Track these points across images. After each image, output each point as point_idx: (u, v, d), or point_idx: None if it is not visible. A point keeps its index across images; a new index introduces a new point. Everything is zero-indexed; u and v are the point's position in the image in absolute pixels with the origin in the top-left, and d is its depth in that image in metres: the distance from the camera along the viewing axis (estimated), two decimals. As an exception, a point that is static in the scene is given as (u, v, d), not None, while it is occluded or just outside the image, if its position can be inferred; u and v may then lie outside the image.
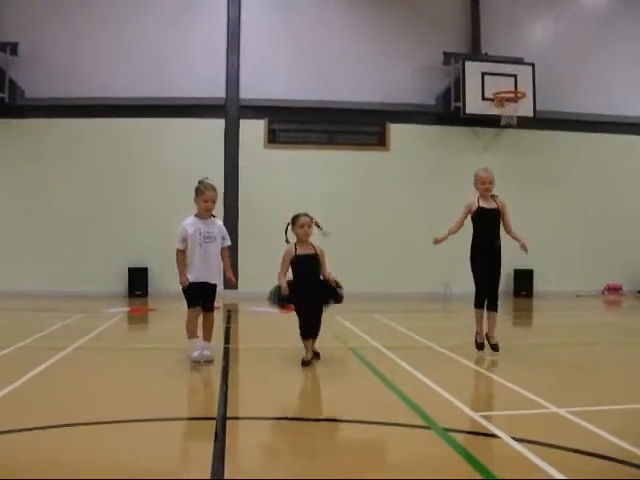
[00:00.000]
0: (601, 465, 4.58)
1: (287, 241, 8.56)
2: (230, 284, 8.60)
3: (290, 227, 8.56)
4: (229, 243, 8.80)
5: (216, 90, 19.43)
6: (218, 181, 18.87)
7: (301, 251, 8.48)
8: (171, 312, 14.88)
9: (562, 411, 5.94)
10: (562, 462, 4.53)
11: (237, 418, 5.94)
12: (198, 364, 8.30)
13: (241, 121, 19.67)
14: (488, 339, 9.14)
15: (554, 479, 4.22)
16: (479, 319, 9.25)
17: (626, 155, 21.06)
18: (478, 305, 9.22)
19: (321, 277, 8.57)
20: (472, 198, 9.30)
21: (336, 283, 8.58)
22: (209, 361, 8.45)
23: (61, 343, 9.62)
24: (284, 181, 19.45)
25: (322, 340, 9.60)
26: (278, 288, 8.46)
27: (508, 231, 9.40)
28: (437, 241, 9.52)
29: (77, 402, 6.39)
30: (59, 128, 19.06)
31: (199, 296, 8.53)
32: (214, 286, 8.63)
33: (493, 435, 5.20)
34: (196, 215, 8.65)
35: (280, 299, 8.51)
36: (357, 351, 9.39)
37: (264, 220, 18.64)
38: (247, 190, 19.45)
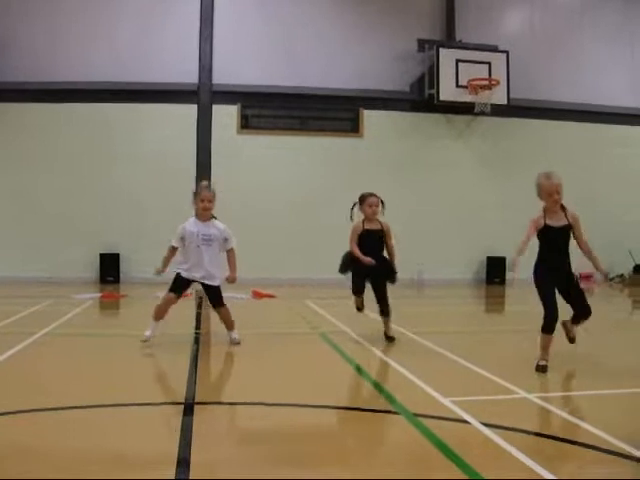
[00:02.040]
0: (568, 449, 4.61)
1: (351, 219, 9.10)
2: (230, 283, 8.61)
3: (358, 206, 9.12)
4: (232, 245, 8.82)
5: (189, 75, 19.28)
6: (190, 167, 19.01)
7: (368, 226, 9.01)
8: (142, 298, 14.79)
9: (532, 396, 5.95)
10: (530, 446, 4.57)
11: (206, 403, 5.90)
12: (145, 342, 8.45)
13: (214, 107, 19.54)
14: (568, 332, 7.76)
15: (524, 465, 4.21)
16: (546, 343, 7.40)
17: (598, 142, 21.16)
18: (548, 330, 7.35)
19: (384, 254, 9.04)
20: (538, 214, 7.64)
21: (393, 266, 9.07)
22: (237, 343, 8.70)
23: (30, 329, 9.53)
24: (257, 167, 19.36)
25: (292, 325, 9.61)
26: (345, 256, 9.04)
27: (581, 247, 7.64)
28: (514, 266, 7.54)
29: (46, 387, 6.34)
30: (31, 113, 18.81)
31: (181, 287, 8.61)
32: (215, 288, 8.67)
33: (463, 420, 5.20)
34: (196, 216, 8.70)
35: (344, 266, 9.06)
36: (327, 336, 9.37)
37: (237, 205, 18.58)
38: (220, 176, 19.32)
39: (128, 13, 19.22)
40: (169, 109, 19.26)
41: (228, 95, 19.48)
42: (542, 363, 7.23)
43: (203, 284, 8.62)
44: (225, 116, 19.54)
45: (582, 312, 7.41)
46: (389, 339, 9.00)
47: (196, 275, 8.52)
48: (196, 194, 8.68)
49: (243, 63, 19.50)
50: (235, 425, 5.37)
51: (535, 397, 5.92)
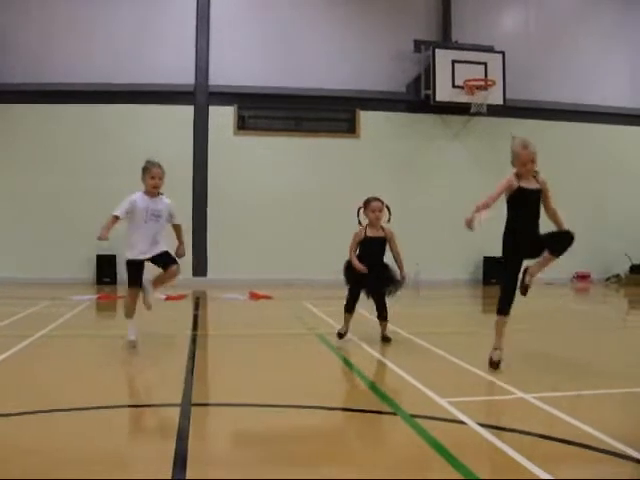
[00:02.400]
0: (564, 449, 4.60)
1: (360, 223, 8.97)
2: (179, 256, 8.47)
3: (362, 210, 8.97)
4: (178, 222, 8.76)
5: (185, 77, 19.31)
6: (187, 167, 19.02)
7: (370, 233, 8.89)
8: (140, 299, 14.76)
9: (528, 397, 5.95)
10: (526, 446, 4.56)
11: (203, 404, 5.90)
12: (133, 346, 8.30)
13: (210, 108, 19.57)
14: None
15: (521, 466, 4.22)
16: (500, 330, 7.48)
17: (594, 143, 21.21)
18: (504, 312, 7.44)
19: (384, 261, 8.97)
20: (510, 176, 7.48)
21: (401, 275, 8.99)
22: (149, 308, 8.55)
23: (27, 331, 9.52)
24: (253, 168, 19.39)
25: (289, 326, 9.61)
26: (345, 266, 8.94)
27: (548, 212, 7.52)
28: (469, 222, 7.42)
29: (43, 389, 6.32)
30: (28, 114, 18.84)
31: (139, 276, 8.42)
32: (164, 252, 8.38)
33: (459, 421, 5.20)
34: (144, 192, 8.60)
35: (347, 277, 8.98)
36: (325, 337, 9.37)
37: (233, 207, 18.65)
38: (216, 177, 19.34)
39: (124, 14, 19.25)
40: (166, 110, 19.27)
41: (225, 96, 19.51)
42: (496, 359, 7.16)
43: (153, 258, 8.36)
44: (222, 117, 19.57)
45: (555, 244, 7.31)
46: (385, 340, 9.00)
47: (144, 249, 8.29)
48: (146, 170, 8.58)
49: (239, 64, 19.53)
50: (232, 426, 5.37)
51: (532, 397, 5.92)
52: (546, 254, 7.34)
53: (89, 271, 18.71)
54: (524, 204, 7.34)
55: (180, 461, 4.25)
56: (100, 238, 8.33)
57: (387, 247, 9.02)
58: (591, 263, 20.66)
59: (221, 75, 19.39)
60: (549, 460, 4.37)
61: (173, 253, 8.49)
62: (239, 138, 19.73)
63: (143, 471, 4.17)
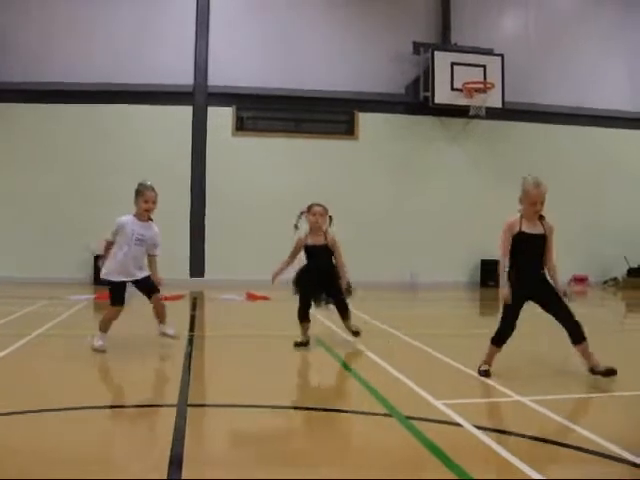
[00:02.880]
0: (559, 451, 4.62)
1: (296, 227, 8.83)
2: (158, 285, 8.46)
3: (305, 215, 8.82)
4: (158, 253, 8.58)
5: (184, 77, 19.31)
6: (185, 168, 19.03)
7: (311, 241, 8.76)
8: (136, 299, 14.75)
9: (525, 399, 5.96)
10: (521, 449, 4.57)
11: (199, 405, 5.90)
12: (100, 352, 8.14)
13: (209, 108, 19.57)
14: (593, 370, 6.96)
15: (516, 468, 4.23)
16: (492, 355, 7.25)
17: (593, 146, 21.22)
18: (498, 344, 7.24)
19: (332, 269, 8.82)
20: (514, 217, 7.25)
21: (348, 285, 8.82)
22: (177, 338, 8.63)
23: (24, 330, 9.52)
24: (252, 169, 19.38)
25: (286, 327, 9.60)
26: (296, 276, 8.93)
27: (548, 264, 7.24)
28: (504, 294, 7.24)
29: (40, 388, 6.34)
30: (26, 113, 18.83)
31: (122, 296, 8.38)
32: (146, 276, 8.44)
33: (455, 423, 5.21)
34: (135, 215, 8.45)
35: (297, 287, 8.93)
36: (321, 339, 9.36)
37: (231, 208, 18.65)
38: (214, 177, 19.34)
39: (124, 14, 19.25)
40: (164, 111, 19.28)
41: (223, 97, 19.51)
42: (484, 369, 7.07)
43: (136, 281, 8.39)
44: (220, 118, 19.56)
45: (573, 328, 6.98)
46: (355, 334, 8.94)
47: (126, 272, 8.27)
48: (139, 193, 8.42)
49: (239, 65, 19.53)
50: (228, 427, 5.38)
51: (528, 400, 5.93)
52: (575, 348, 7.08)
53: (87, 271, 18.68)
54: (524, 248, 7.10)
55: (176, 461, 4.26)
56: (102, 247, 8.56)
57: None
58: (589, 266, 20.67)
59: (220, 76, 19.40)
60: (543, 462, 4.38)
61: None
62: (237, 139, 19.73)
63: (139, 471, 4.17)
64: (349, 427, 5.47)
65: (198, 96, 19.47)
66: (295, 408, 5.88)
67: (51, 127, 18.90)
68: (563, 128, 21.18)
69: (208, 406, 6.00)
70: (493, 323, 13.38)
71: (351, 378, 7.02)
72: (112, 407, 5.62)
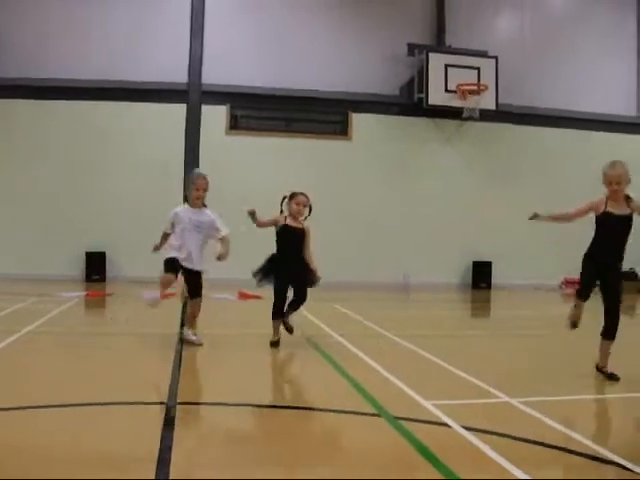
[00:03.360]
0: (545, 452, 4.63)
1: (282, 212, 8.99)
2: (219, 259, 8.61)
3: (286, 200, 9.03)
4: (224, 233, 8.82)
5: (178, 75, 19.29)
6: (178, 166, 18.99)
7: (290, 223, 8.88)
8: (128, 297, 14.78)
9: (514, 401, 5.98)
10: (512, 452, 4.57)
11: (188, 403, 5.89)
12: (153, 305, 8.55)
13: (203, 107, 19.55)
14: (601, 370, 7.26)
15: (503, 469, 4.24)
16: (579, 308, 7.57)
17: (585, 149, 21.22)
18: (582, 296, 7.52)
19: (303, 256, 8.87)
20: (600, 197, 7.46)
21: (314, 270, 8.86)
22: (200, 344, 8.69)
23: (14, 326, 9.49)
24: (245, 167, 19.36)
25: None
26: (263, 265, 8.99)
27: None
28: (535, 215, 8.06)
29: (29, 386, 6.34)
30: (19, 109, 18.80)
31: (175, 268, 8.57)
32: (197, 273, 8.73)
33: (443, 424, 5.22)
34: (187, 203, 8.81)
35: (261, 273, 8.99)
36: (312, 339, 9.36)
37: (224, 206, 18.49)
38: (207, 175, 19.29)
39: (120, 13, 19.23)
40: (158, 108, 19.26)
41: (217, 95, 19.51)
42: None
43: (186, 269, 8.61)
44: (214, 116, 19.54)
45: (611, 324, 7.19)
46: (286, 327, 8.93)
47: (181, 256, 8.52)
48: (191, 182, 8.77)
49: (233, 64, 19.52)
50: (217, 426, 5.37)
51: (517, 401, 5.94)
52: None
53: (78, 268, 18.67)
54: (606, 229, 7.32)
55: (164, 460, 4.25)
56: (156, 249, 8.82)
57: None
58: (580, 269, 20.63)
59: (214, 74, 19.39)
60: (531, 463, 4.40)
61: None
62: (231, 138, 19.73)
63: (127, 469, 4.16)
64: (338, 427, 5.46)
65: (192, 94, 19.45)
66: (284, 407, 5.88)
67: (45, 124, 18.86)
68: (556, 131, 21.24)
69: (198, 404, 6.01)
70: (485, 324, 13.47)
71: (341, 378, 7.01)
72: (100, 404, 5.59)
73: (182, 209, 8.77)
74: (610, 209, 7.21)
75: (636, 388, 6.91)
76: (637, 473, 4.21)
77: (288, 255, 8.84)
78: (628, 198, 7.24)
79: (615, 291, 7.28)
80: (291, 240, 8.87)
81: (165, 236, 8.74)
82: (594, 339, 7.43)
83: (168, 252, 8.61)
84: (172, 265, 8.55)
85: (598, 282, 7.39)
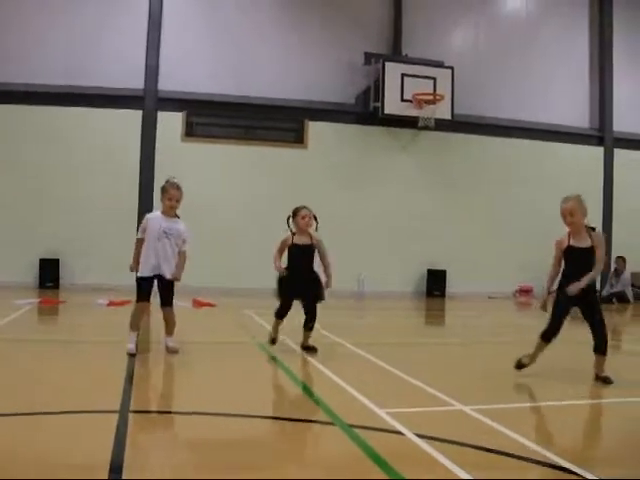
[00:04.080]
0: (498, 459, 4.68)
1: (291, 230, 9.17)
2: (173, 280, 8.62)
3: (291, 219, 9.17)
4: (185, 249, 8.79)
5: (134, 81, 19.17)
6: (134, 173, 18.90)
7: (298, 241, 9.07)
8: (82, 304, 14.67)
9: (467, 409, 6.04)
10: (463, 458, 4.62)
11: (141, 411, 5.88)
12: (132, 356, 8.29)
13: (159, 113, 19.46)
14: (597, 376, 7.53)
15: (453, 475, 4.29)
16: (540, 349, 7.76)
17: (537, 159, 21.53)
18: (546, 338, 7.67)
19: (314, 269, 9.12)
20: (564, 234, 7.68)
21: (326, 283, 9.08)
22: (175, 352, 8.66)
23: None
24: (201, 175, 19.26)
25: (231, 335, 9.59)
26: (278, 281, 9.07)
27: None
28: (544, 305, 7.83)
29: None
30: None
31: (147, 292, 8.62)
32: (169, 282, 8.69)
33: (397, 432, 5.25)
34: (162, 212, 8.79)
35: (280, 290, 9.11)
36: (265, 346, 9.37)
37: (178, 212, 18.49)
38: (163, 182, 19.16)
39: (76, 17, 19.04)
40: (114, 114, 19.12)
41: (174, 102, 19.44)
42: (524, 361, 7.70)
43: (158, 277, 8.59)
44: (170, 123, 19.46)
45: (600, 341, 7.45)
46: (310, 349, 9.04)
47: (153, 264, 8.51)
48: (165, 191, 8.75)
49: (190, 71, 19.49)
50: (169, 434, 5.37)
51: (470, 409, 6.00)
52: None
53: (31, 275, 18.46)
54: (571, 261, 7.54)
55: (116, 468, 4.23)
56: (131, 268, 8.70)
57: (316, 256, 9.21)
58: (533, 277, 20.86)
59: (171, 81, 19.31)
60: (481, 469, 4.45)
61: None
62: (187, 145, 19.66)
63: (78, 478, 4.14)
64: (293, 435, 5.48)
65: (148, 101, 19.34)
66: (237, 415, 5.87)
67: (1, 128, 18.62)
68: (510, 141, 21.51)
69: (150, 412, 5.98)
70: (439, 332, 13.58)
71: (295, 386, 7.03)
72: (51, 414, 5.54)
73: (154, 215, 8.80)
74: (573, 243, 7.53)
75: (584, 394, 7.05)
76: (582, 477, 4.30)
77: (296, 271, 8.99)
78: (592, 230, 7.58)
79: (595, 308, 7.54)
80: (299, 257, 9.07)
81: (139, 242, 8.66)
82: (547, 348, 7.54)
83: (140, 267, 8.57)
84: (144, 289, 8.59)
85: (573, 311, 7.60)
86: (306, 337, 9.14)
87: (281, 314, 9.13)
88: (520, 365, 7.76)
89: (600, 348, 7.44)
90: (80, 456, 4.59)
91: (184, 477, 4.28)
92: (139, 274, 8.56)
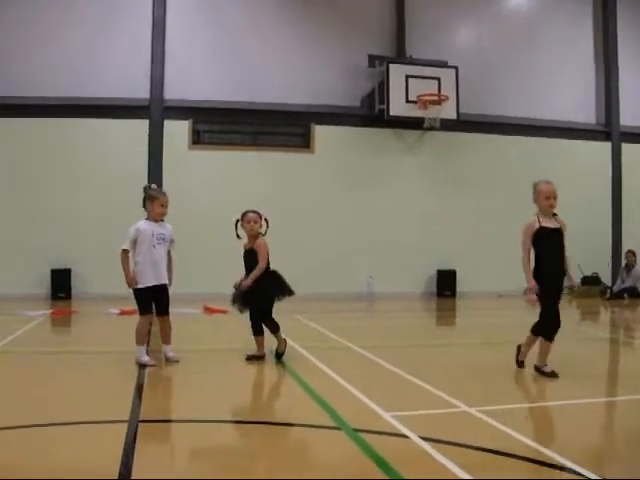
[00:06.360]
0: (503, 462, 4.70)
1: (238, 236, 9.06)
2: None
3: (240, 223, 9.06)
4: (172, 249, 8.97)
5: (140, 91, 19.22)
6: (141, 182, 18.78)
7: (246, 245, 9.07)
8: (94, 314, 14.75)
9: (472, 410, 6.07)
10: (468, 461, 4.66)
11: (151, 421, 5.93)
12: (144, 367, 8.34)
13: (165, 122, 19.50)
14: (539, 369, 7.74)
15: (458, 477, 4.32)
16: (531, 344, 8.05)
17: (544, 157, 21.42)
18: (549, 338, 7.73)
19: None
20: (531, 218, 7.87)
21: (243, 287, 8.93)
22: (176, 361, 8.72)
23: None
24: (208, 182, 19.34)
25: (243, 341, 9.63)
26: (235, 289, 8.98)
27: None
28: (532, 299, 7.89)
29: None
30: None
31: (151, 303, 8.71)
32: (165, 287, 8.77)
33: (402, 435, 5.29)
34: (147, 219, 8.81)
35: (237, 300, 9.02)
36: (274, 351, 9.40)
37: (187, 221, 18.56)
38: (170, 191, 19.18)
39: (80, 28, 19.09)
40: (120, 124, 19.17)
41: (180, 110, 19.46)
42: (547, 370, 7.59)
43: (157, 287, 8.64)
44: (177, 131, 19.50)
45: (546, 324, 7.73)
46: (278, 356, 8.98)
47: (152, 275, 8.56)
48: (154, 198, 8.78)
49: (195, 78, 19.54)
50: (179, 442, 5.42)
51: (475, 411, 6.03)
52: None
53: (43, 286, 18.54)
54: (547, 243, 7.68)
55: (125, 477, 4.29)
56: (129, 284, 8.65)
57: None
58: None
59: (176, 89, 19.36)
60: (488, 473, 4.48)
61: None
62: (194, 152, 19.70)
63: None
64: (298, 441, 5.52)
65: (154, 110, 19.39)
66: (245, 422, 5.93)
67: (8, 142, 18.66)
68: (517, 139, 21.44)
69: (160, 422, 6.04)
70: (448, 333, 13.57)
71: (302, 391, 7.07)
72: (63, 424, 5.61)
73: (143, 223, 8.76)
74: (544, 224, 7.70)
75: (592, 394, 7.06)
76: (589, 478, 4.32)
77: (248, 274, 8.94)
78: (554, 214, 7.85)
79: (559, 294, 7.77)
80: (246, 262, 9.03)
81: (125, 254, 8.61)
82: (556, 347, 7.57)
83: (138, 278, 8.58)
84: (148, 300, 8.67)
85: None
86: (278, 340, 9.09)
87: (253, 329, 9.00)
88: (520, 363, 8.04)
89: (540, 332, 7.77)
90: (90, 467, 4.65)
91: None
92: (140, 285, 8.57)
